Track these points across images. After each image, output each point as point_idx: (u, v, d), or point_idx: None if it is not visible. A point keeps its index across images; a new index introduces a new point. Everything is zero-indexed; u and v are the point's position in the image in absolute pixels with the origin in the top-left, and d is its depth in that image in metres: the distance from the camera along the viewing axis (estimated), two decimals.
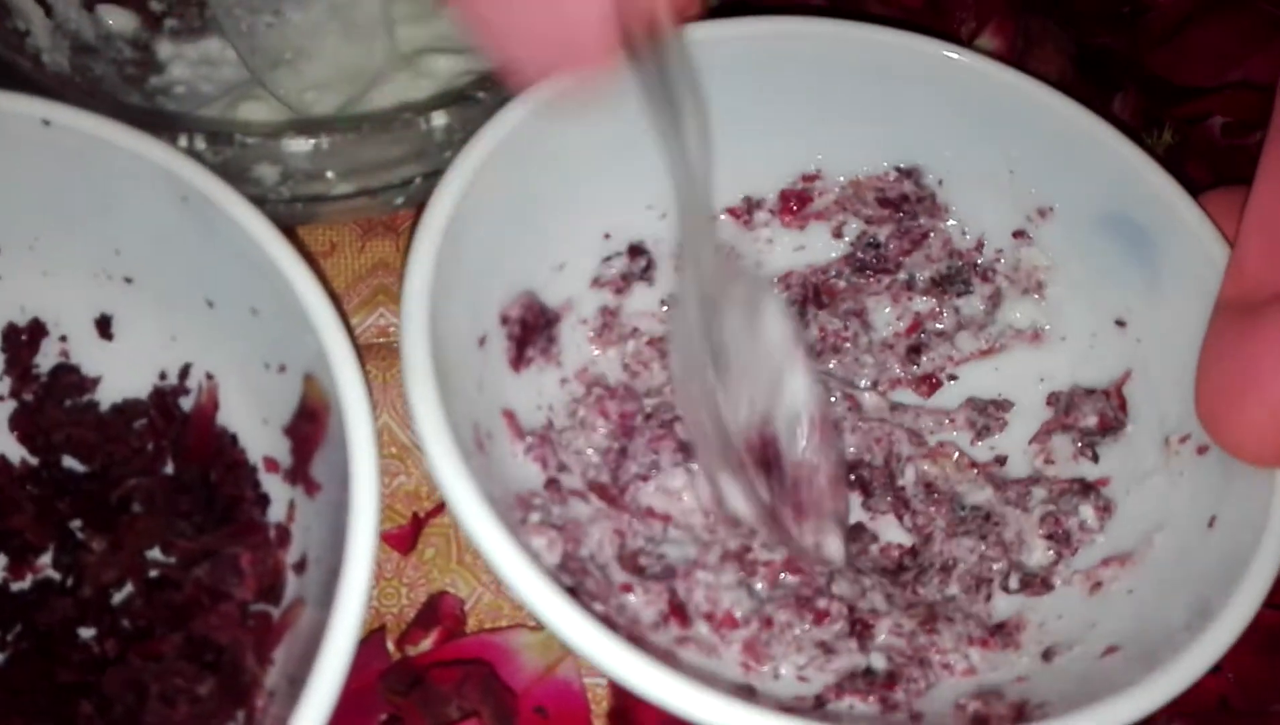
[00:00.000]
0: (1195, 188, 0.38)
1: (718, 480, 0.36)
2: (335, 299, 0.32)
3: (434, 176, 0.40)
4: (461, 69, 0.47)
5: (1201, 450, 0.34)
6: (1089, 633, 0.34)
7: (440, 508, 0.41)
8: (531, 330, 0.38)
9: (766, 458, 0.37)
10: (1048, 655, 0.34)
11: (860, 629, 0.35)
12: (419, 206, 0.46)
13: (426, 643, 0.39)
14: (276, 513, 0.35)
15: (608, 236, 0.40)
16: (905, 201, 0.41)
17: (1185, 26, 0.52)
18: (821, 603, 0.36)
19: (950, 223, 0.41)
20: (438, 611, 0.39)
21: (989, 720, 0.32)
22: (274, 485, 0.35)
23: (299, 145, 0.36)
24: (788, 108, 0.40)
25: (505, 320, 0.37)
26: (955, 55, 0.38)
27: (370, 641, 0.38)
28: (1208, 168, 0.48)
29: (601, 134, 0.37)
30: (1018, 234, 0.40)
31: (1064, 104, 0.38)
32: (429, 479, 0.42)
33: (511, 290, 0.38)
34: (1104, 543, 0.36)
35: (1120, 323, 0.38)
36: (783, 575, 0.37)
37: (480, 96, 0.38)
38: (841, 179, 0.41)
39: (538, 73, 0.33)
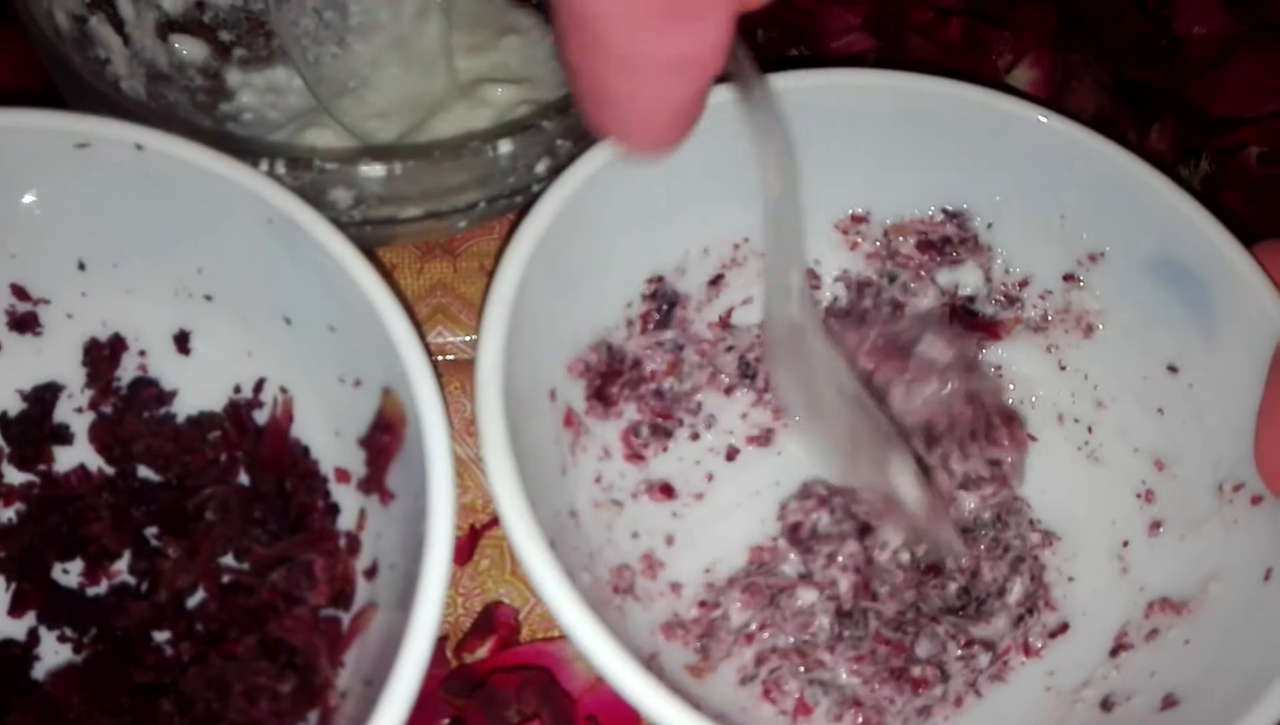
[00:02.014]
0: (1232, 217, 0.39)
1: (887, 468, 0.36)
2: (411, 314, 0.33)
3: (496, 201, 0.42)
4: (518, 98, 0.49)
5: (1256, 500, 0.35)
6: (1148, 681, 0.34)
7: (495, 521, 0.43)
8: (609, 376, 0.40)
9: (932, 433, 0.38)
10: (1106, 704, 0.35)
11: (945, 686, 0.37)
12: (474, 231, 0.48)
13: (483, 650, 0.40)
14: (346, 521, 0.36)
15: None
16: (947, 243, 0.42)
17: (1222, 59, 0.53)
18: (916, 670, 0.37)
19: (996, 263, 0.43)
20: (493, 620, 0.40)
21: None
22: (344, 495, 0.37)
23: (374, 171, 0.38)
24: (839, 152, 0.41)
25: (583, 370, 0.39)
26: (1009, 105, 0.40)
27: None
28: (1245, 197, 0.49)
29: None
30: (1068, 277, 0.42)
31: (1115, 151, 0.39)
32: (484, 493, 0.43)
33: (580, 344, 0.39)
34: (1158, 584, 0.37)
35: (1172, 368, 0.39)
36: (872, 651, 0.38)
37: (543, 125, 0.40)
38: (887, 221, 0.43)
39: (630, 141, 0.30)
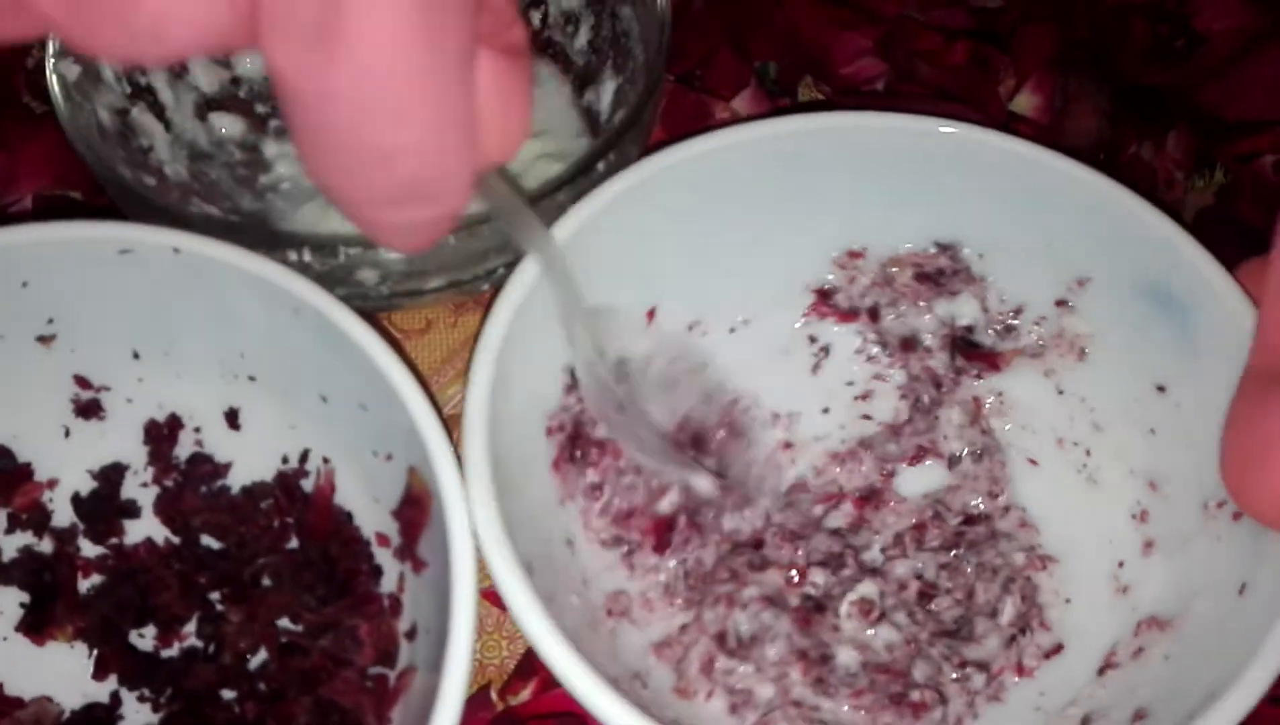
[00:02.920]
0: (1247, 227, 0.39)
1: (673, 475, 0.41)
2: (429, 392, 0.36)
3: (515, 264, 0.44)
4: (537, 151, 0.51)
5: (1237, 516, 0.36)
6: (1126, 698, 0.35)
7: None
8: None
9: (696, 438, 0.41)
10: (1085, 722, 0.36)
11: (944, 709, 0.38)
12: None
13: (525, 693, 0.42)
14: (388, 583, 0.39)
15: None
16: (941, 275, 0.43)
17: (1238, 61, 0.53)
18: (915, 695, 0.38)
19: (990, 293, 0.44)
20: (534, 663, 0.43)
21: None
22: (385, 558, 0.39)
23: (395, 254, 0.40)
24: (835, 191, 0.42)
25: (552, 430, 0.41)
26: (993, 140, 0.41)
27: (478, 695, 0.42)
28: (1260, 207, 0.48)
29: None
30: (1060, 302, 0.43)
31: (1097, 179, 0.40)
32: None
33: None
34: (1148, 603, 0.38)
35: (1161, 388, 0.40)
36: (868, 681, 0.39)
37: (557, 197, 0.42)
38: (885, 254, 0.44)
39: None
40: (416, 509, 0.36)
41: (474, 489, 0.33)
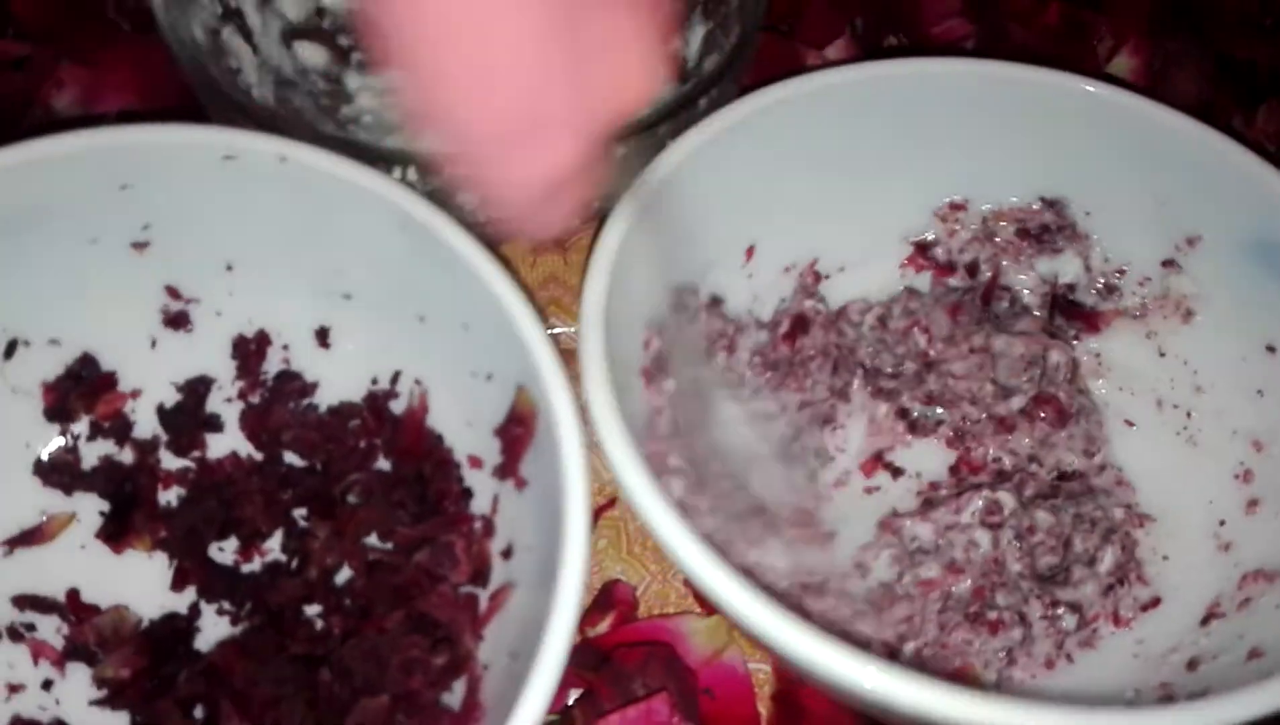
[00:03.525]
0: None
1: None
2: (541, 314, 0.36)
3: (609, 199, 0.44)
4: None
5: None
6: (1236, 643, 0.36)
7: (612, 502, 0.45)
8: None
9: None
10: (1191, 664, 0.36)
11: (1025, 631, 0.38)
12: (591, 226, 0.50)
13: (604, 625, 0.42)
14: (480, 505, 0.39)
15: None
16: (1045, 231, 0.43)
17: None
18: (991, 614, 0.38)
19: (1095, 251, 0.43)
20: (612, 597, 0.43)
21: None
22: (478, 480, 0.39)
23: None
24: (938, 140, 0.42)
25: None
26: (1102, 91, 0.40)
27: None
28: None
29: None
30: (1167, 263, 0.42)
31: (1210, 135, 0.40)
32: (598, 476, 0.45)
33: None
34: (1253, 558, 0.38)
35: (1271, 348, 0.40)
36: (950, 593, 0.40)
37: (658, 130, 0.41)
38: (985, 208, 0.44)
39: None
40: (521, 427, 0.36)
41: (595, 392, 0.33)
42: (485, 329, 0.36)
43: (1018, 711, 0.28)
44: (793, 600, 0.39)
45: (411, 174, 0.40)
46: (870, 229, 0.44)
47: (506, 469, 0.37)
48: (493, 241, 0.37)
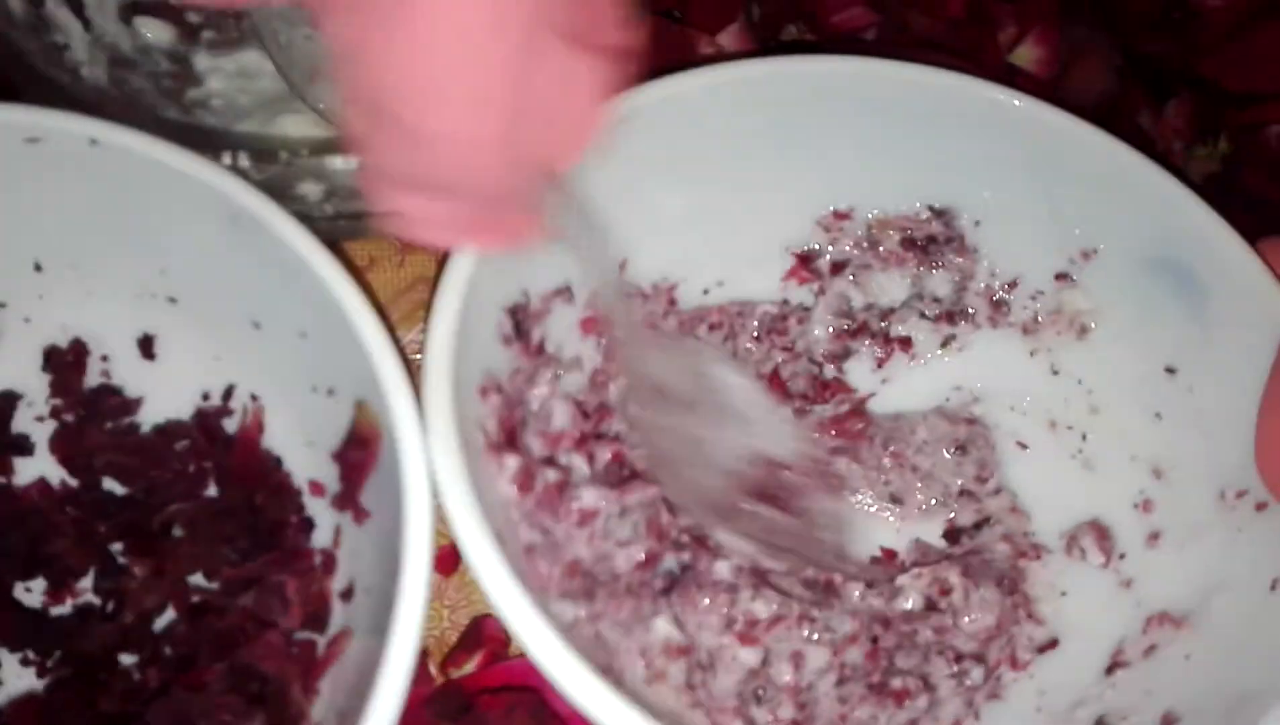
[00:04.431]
0: (1253, 199, 0.37)
1: (714, 533, 0.36)
2: (386, 321, 0.31)
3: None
4: None
5: (1260, 507, 0.34)
6: (1145, 700, 0.33)
7: None
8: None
9: (766, 490, 0.36)
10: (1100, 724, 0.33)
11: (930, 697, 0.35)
12: None
13: (470, 665, 0.38)
14: (322, 538, 0.34)
15: None
16: (932, 242, 0.40)
17: (1241, 31, 0.51)
18: (896, 682, 0.35)
19: (982, 264, 0.40)
20: (481, 634, 0.39)
21: None
22: (320, 510, 0.35)
23: (344, 163, 0.36)
24: (823, 144, 0.39)
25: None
26: (998, 95, 0.37)
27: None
28: (1266, 177, 0.47)
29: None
30: (1060, 276, 0.40)
31: (1112, 144, 0.37)
32: None
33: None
34: (1157, 598, 0.36)
35: (1170, 370, 0.37)
36: (844, 666, 0.36)
37: None
38: (870, 216, 0.40)
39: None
40: (362, 450, 0.31)
41: (436, 438, 0.29)
42: (323, 336, 0.32)
43: None
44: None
45: (245, 160, 0.35)
46: (750, 240, 0.40)
47: (345, 498, 0.33)
48: (333, 238, 0.32)
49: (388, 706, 0.26)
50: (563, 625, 0.29)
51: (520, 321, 0.35)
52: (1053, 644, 0.37)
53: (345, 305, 0.31)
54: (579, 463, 0.37)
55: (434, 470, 0.29)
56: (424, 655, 0.38)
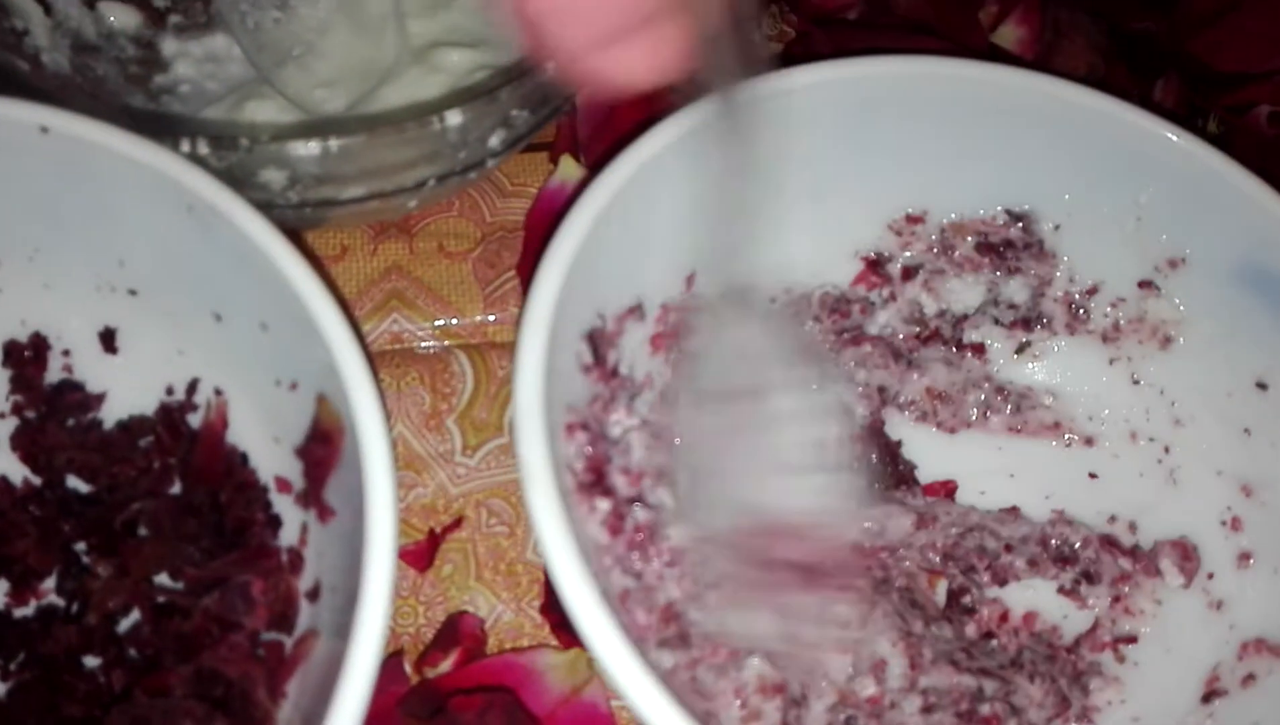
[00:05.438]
0: None
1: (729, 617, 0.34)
2: (348, 312, 0.30)
3: (447, 178, 0.39)
4: (475, 63, 0.46)
5: None
6: None
7: (457, 523, 0.40)
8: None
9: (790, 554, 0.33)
10: None
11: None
12: (432, 207, 0.45)
13: (446, 664, 0.37)
14: (289, 536, 0.33)
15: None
16: (1009, 247, 0.39)
17: (1229, 10, 0.50)
18: (984, 709, 0.34)
19: (1060, 270, 0.40)
20: (457, 631, 0.38)
21: None
22: (286, 507, 0.34)
23: (307, 149, 0.35)
24: (896, 147, 0.38)
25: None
26: (1081, 97, 0.36)
27: (388, 664, 0.36)
28: (1254, 159, 0.45)
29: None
30: (1144, 284, 0.39)
31: (1199, 148, 0.36)
32: (445, 492, 0.40)
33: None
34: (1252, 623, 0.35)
35: (1261, 385, 0.36)
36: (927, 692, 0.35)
37: (498, 94, 0.36)
38: (945, 221, 0.39)
39: (586, 56, 0.27)
40: (325, 446, 0.30)
41: (537, 492, 0.28)
42: (284, 329, 0.31)
43: None
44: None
45: (204, 147, 0.34)
46: (818, 247, 0.39)
47: (310, 496, 0.32)
48: (298, 227, 0.31)
49: (351, 710, 0.25)
50: (662, 674, 0.28)
51: (598, 347, 0.34)
52: (1132, 639, 0.37)
53: (304, 296, 0.30)
54: (666, 498, 0.36)
55: (536, 524, 0.28)
56: (399, 654, 0.37)
